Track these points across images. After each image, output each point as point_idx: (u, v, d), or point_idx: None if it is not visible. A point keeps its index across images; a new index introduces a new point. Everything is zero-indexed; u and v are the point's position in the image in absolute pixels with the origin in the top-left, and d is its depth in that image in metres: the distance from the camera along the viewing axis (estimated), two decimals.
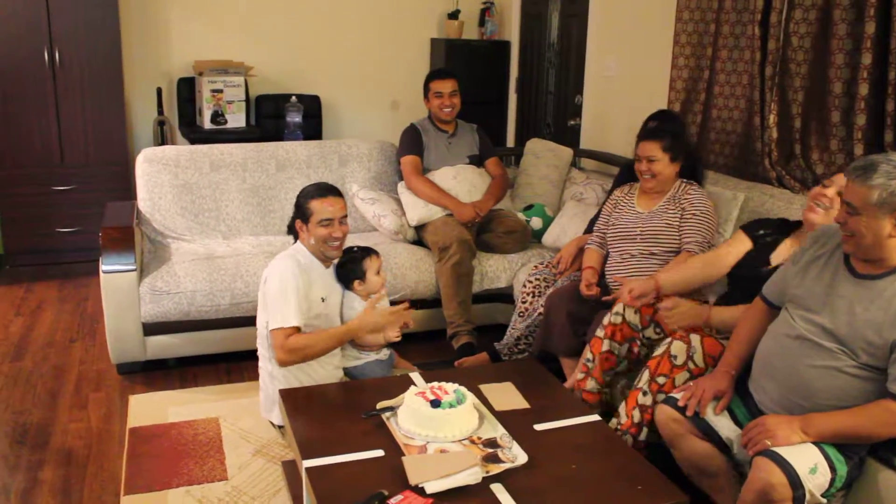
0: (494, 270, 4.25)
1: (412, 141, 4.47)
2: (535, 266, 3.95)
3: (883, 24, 3.08)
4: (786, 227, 2.94)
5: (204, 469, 3.02)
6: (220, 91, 5.57)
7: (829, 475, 2.20)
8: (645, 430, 2.70)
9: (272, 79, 6.07)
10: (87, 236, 5.16)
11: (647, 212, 3.44)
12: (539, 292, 3.76)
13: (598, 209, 3.97)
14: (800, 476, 2.14)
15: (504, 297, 4.27)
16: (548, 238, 4.38)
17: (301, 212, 2.95)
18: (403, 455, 2.26)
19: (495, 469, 2.19)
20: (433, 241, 4.16)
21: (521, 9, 6.26)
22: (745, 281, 2.89)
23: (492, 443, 2.33)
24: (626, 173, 3.87)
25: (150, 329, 3.73)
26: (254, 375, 3.22)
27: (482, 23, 6.51)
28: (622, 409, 2.78)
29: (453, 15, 6.38)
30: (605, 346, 2.99)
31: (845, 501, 2.34)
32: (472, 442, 2.34)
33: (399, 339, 2.90)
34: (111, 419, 3.43)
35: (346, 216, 2.98)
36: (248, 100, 5.76)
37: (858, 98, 3.17)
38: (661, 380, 2.68)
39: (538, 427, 2.47)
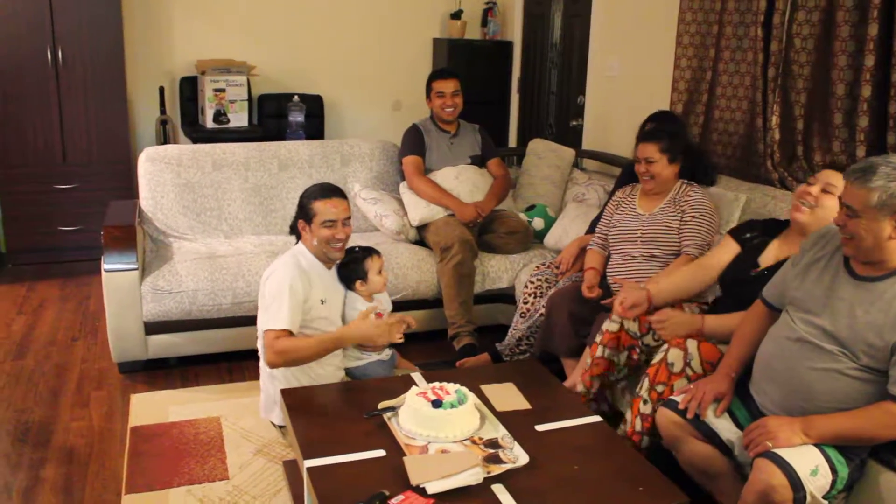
0: (496, 271, 4.25)
1: (414, 141, 4.47)
2: (537, 267, 3.95)
3: (886, 25, 3.07)
4: (774, 228, 2.93)
5: (205, 468, 3.02)
6: (223, 90, 5.57)
7: (830, 477, 2.20)
8: (646, 438, 2.70)
9: (274, 78, 6.08)
10: (89, 235, 5.16)
11: (647, 213, 3.44)
12: (541, 293, 3.76)
13: (599, 210, 3.97)
14: (801, 478, 2.14)
15: (506, 297, 4.27)
16: (549, 239, 4.38)
17: (304, 212, 2.95)
18: (405, 455, 2.26)
19: (496, 469, 2.19)
20: (435, 242, 4.15)
21: (523, 9, 6.26)
22: (736, 285, 2.90)
23: (493, 443, 2.33)
24: (627, 174, 3.87)
25: (152, 328, 3.73)
26: (255, 375, 3.22)
27: (485, 23, 6.51)
28: (628, 415, 2.79)
29: (456, 15, 6.38)
30: (599, 352, 3.00)
31: (847, 503, 2.34)
32: (474, 442, 2.34)
33: (402, 340, 2.90)
34: (113, 418, 3.43)
35: (349, 217, 2.98)
36: (250, 99, 5.76)
37: (861, 100, 3.17)
38: (659, 388, 2.68)
39: (539, 428, 2.47)
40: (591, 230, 3.86)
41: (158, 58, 5.82)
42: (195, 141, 5.38)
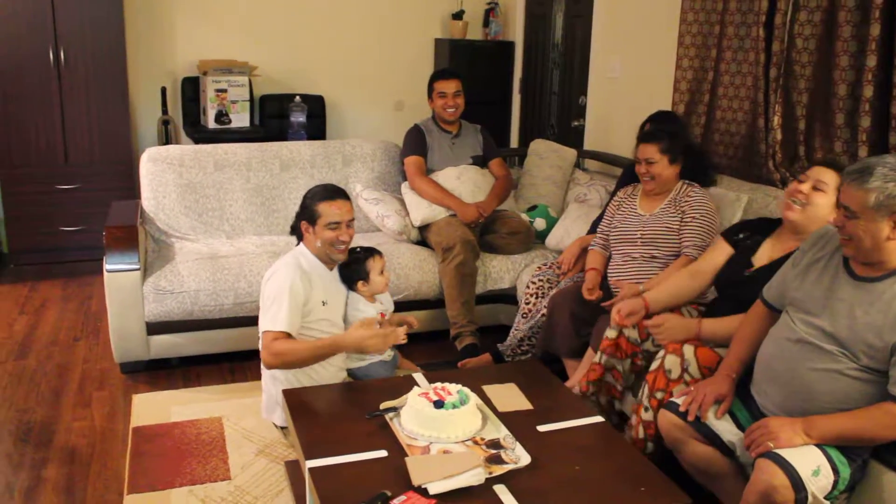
0: (498, 271, 4.25)
1: (416, 141, 4.47)
2: (539, 267, 3.95)
3: (888, 26, 3.07)
4: (766, 227, 2.93)
5: (207, 469, 3.02)
6: (225, 91, 5.57)
7: (831, 477, 2.20)
8: (650, 444, 2.70)
9: (276, 79, 6.08)
10: (91, 235, 5.17)
11: (648, 214, 3.44)
12: (542, 293, 3.76)
13: (601, 210, 3.97)
14: (802, 478, 2.13)
15: (507, 297, 4.27)
16: (551, 240, 4.38)
17: (308, 214, 2.94)
18: (406, 456, 2.26)
19: (498, 470, 2.19)
20: (437, 242, 4.16)
21: (525, 9, 6.26)
22: (731, 286, 2.90)
23: (495, 444, 2.33)
24: (629, 174, 3.87)
25: (154, 328, 3.74)
26: (257, 375, 3.22)
27: (486, 23, 6.51)
28: (633, 419, 2.79)
29: (457, 15, 6.38)
30: (597, 357, 2.99)
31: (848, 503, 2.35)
32: (476, 443, 2.34)
33: (405, 340, 2.89)
34: (114, 418, 3.43)
35: (353, 219, 2.98)
36: (252, 99, 5.76)
37: (863, 100, 3.17)
38: (659, 395, 2.68)
39: (541, 428, 2.47)
40: (593, 230, 3.86)
41: (160, 58, 5.83)
42: (197, 141, 5.38)
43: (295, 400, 2.64)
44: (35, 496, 2.86)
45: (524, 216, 4.51)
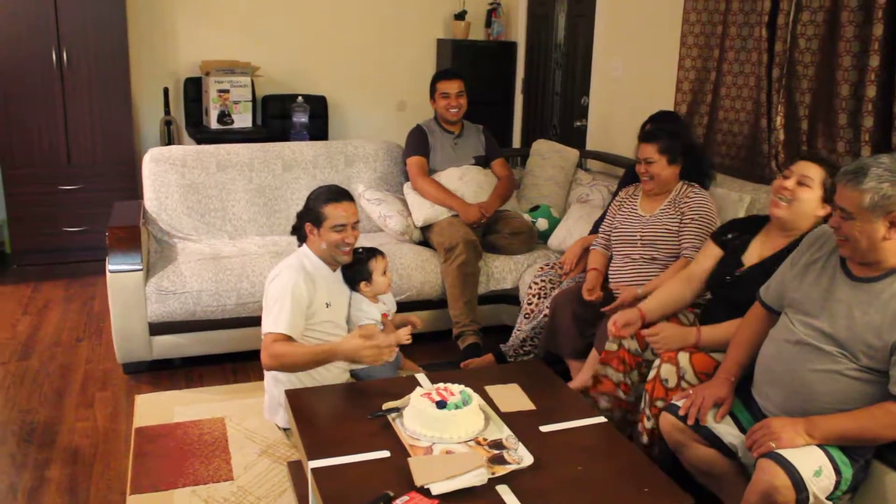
0: (500, 271, 4.25)
1: (418, 142, 4.47)
2: (541, 267, 3.95)
3: (891, 25, 3.07)
4: (754, 225, 2.93)
5: (210, 469, 3.02)
6: (227, 91, 5.58)
7: (833, 478, 2.19)
8: (656, 449, 2.70)
9: (278, 79, 6.08)
10: (93, 236, 5.17)
11: (648, 215, 3.43)
12: (545, 294, 3.76)
13: (603, 210, 3.97)
14: (804, 478, 2.13)
15: (510, 298, 4.27)
16: (553, 241, 4.38)
17: (313, 215, 2.93)
18: (409, 456, 2.26)
19: (501, 470, 2.19)
20: (439, 242, 4.16)
21: (527, 9, 6.25)
22: (723, 287, 2.90)
23: (497, 444, 2.33)
24: (631, 174, 3.86)
25: (157, 329, 3.74)
26: (259, 376, 3.22)
27: (489, 23, 6.51)
28: (639, 427, 2.79)
29: (460, 15, 6.38)
30: (601, 369, 2.99)
31: None
32: (478, 443, 2.34)
33: (409, 341, 2.89)
34: (117, 418, 3.43)
35: (358, 221, 2.97)
36: (254, 100, 5.77)
37: (866, 100, 3.17)
38: (659, 403, 2.68)
39: (544, 428, 2.47)
40: (595, 230, 3.86)
41: (163, 59, 5.83)
42: (199, 142, 5.39)
43: (297, 401, 2.64)
44: (38, 497, 2.86)
45: (526, 216, 4.51)
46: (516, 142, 6.50)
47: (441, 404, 2.38)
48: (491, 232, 4.34)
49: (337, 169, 4.63)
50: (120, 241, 3.70)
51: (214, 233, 4.31)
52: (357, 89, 6.40)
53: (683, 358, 2.69)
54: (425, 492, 2.08)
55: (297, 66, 6.17)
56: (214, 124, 5.59)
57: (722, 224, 3.13)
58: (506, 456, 2.26)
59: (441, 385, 2.50)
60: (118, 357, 3.77)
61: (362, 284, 3.06)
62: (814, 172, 2.68)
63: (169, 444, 3.20)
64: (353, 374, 3.03)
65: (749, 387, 2.54)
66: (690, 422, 2.45)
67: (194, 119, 5.84)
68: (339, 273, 3.05)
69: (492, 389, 2.70)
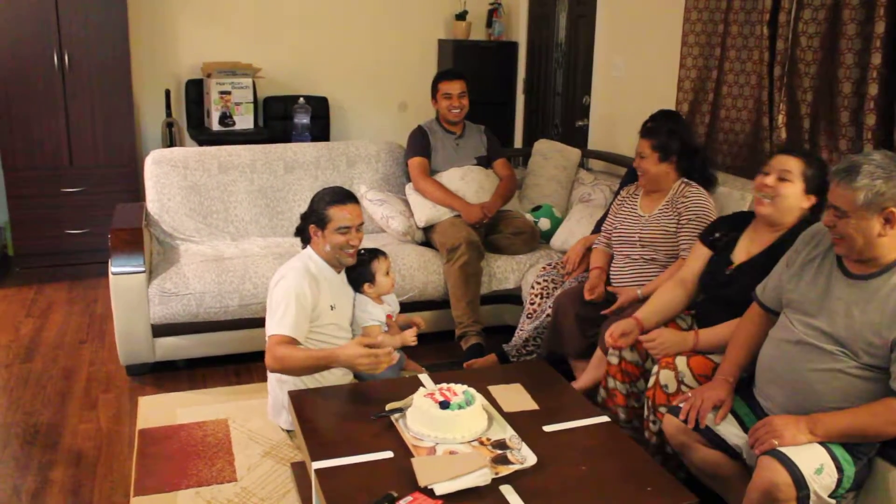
0: (503, 271, 4.25)
1: (419, 143, 4.47)
2: (543, 267, 3.95)
3: (893, 23, 3.06)
4: (741, 222, 2.93)
5: (213, 470, 3.03)
6: (229, 93, 5.58)
7: (835, 475, 2.19)
8: (669, 448, 2.69)
9: (280, 80, 6.08)
10: (96, 238, 5.17)
11: (647, 215, 3.43)
12: (547, 293, 3.76)
13: (605, 210, 3.97)
14: (804, 476, 2.13)
15: (512, 298, 4.27)
16: (555, 241, 4.37)
17: (317, 217, 2.92)
18: (413, 456, 2.26)
19: (504, 470, 2.19)
20: (441, 243, 4.16)
21: (528, 9, 6.25)
22: (714, 287, 2.90)
23: (501, 444, 2.33)
24: (633, 173, 3.86)
25: (159, 330, 3.74)
26: (262, 377, 3.22)
27: (490, 24, 6.50)
28: (646, 434, 2.79)
29: (461, 16, 6.38)
30: (611, 383, 2.98)
31: (856, 503, 2.33)
32: (482, 443, 2.34)
33: (415, 342, 2.88)
34: (120, 420, 3.44)
35: (362, 223, 2.97)
36: (256, 101, 5.77)
37: (868, 98, 3.16)
38: (662, 409, 2.68)
39: (547, 428, 2.47)
40: (597, 230, 3.86)
41: (164, 61, 5.83)
42: (201, 143, 5.39)
43: (301, 401, 2.64)
44: (42, 498, 2.86)
45: (528, 216, 4.51)
46: (518, 142, 6.49)
47: (444, 405, 2.38)
48: (493, 232, 4.34)
49: (339, 170, 4.63)
50: (122, 243, 3.70)
51: (217, 234, 4.32)
52: (359, 90, 6.40)
53: (681, 362, 2.69)
54: (429, 492, 2.08)
55: (299, 68, 6.17)
56: (216, 126, 5.59)
57: (708, 224, 3.12)
58: (509, 456, 2.26)
59: (444, 385, 2.50)
60: (121, 359, 3.77)
61: (366, 286, 3.05)
62: (792, 165, 2.70)
63: (172, 445, 3.20)
64: (356, 374, 3.03)
65: (751, 387, 2.53)
66: (690, 425, 2.45)
67: (196, 121, 5.84)
68: (343, 275, 3.05)
69: (495, 389, 2.70)
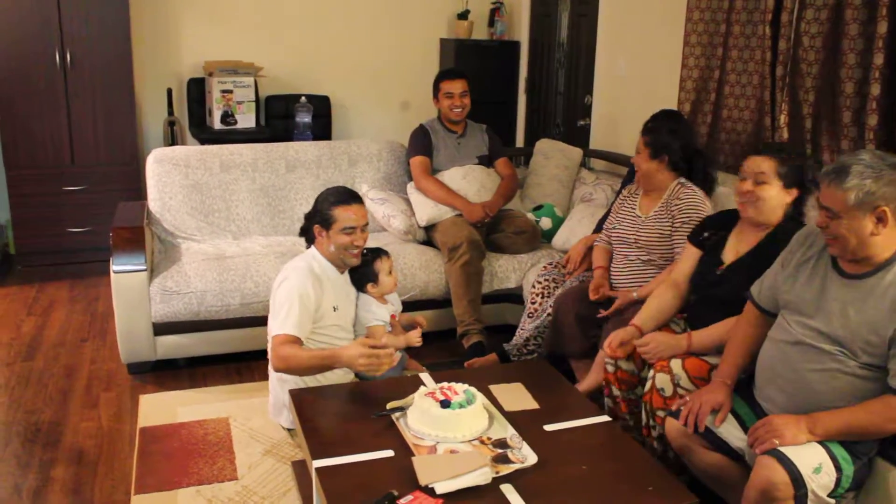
0: (504, 271, 4.25)
1: (421, 142, 4.47)
2: (545, 266, 3.95)
3: (894, 23, 3.06)
4: (728, 220, 2.93)
5: (214, 469, 3.03)
6: (230, 91, 5.58)
7: (834, 475, 2.19)
8: (671, 453, 2.69)
9: (282, 79, 6.08)
10: (97, 236, 5.17)
11: (645, 216, 3.42)
12: (548, 293, 3.76)
13: (606, 209, 3.97)
14: (802, 475, 2.13)
15: (514, 297, 4.27)
16: (557, 241, 4.37)
17: (322, 217, 2.91)
18: (413, 455, 2.26)
19: (505, 469, 2.19)
20: (443, 242, 4.16)
21: (530, 9, 6.25)
22: (705, 287, 2.90)
23: (502, 443, 2.33)
24: (634, 172, 3.86)
25: (161, 329, 3.74)
26: (263, 376, 3.22)
27: (492, 23, 6.50)
28: (649, 440, 2.79)
29: (463, 15, 6.38)
30: (615, 391, 2.98)
31: (856, 503, 2.33)
32: (482, 442, 2.34)
33: (420, 343, 2.87)
34: (122, 419, 3.44)
35: (367, 224, 2.96)
36: (257, 100, 5.77)
37: (870, 98, 3.16)
38: (660, 413, 2.67)
39: (548, 428, 2.47)
40: (599, 229, 3.86)
41: (166, 59, 5.83)
42: (203, 142, 5.39)
43: (302, 400, 2.64)
44: (43, 496, 2.86)
45: (530, 215, 4.51)
46: (520, 141, 6.49)
47: (445, 403, 2.38)
48: (494, 231, 4.34)
49: (340, 169, 4.63)
50: (124, 241, 3.71)
51: (218, 233, 4.32)
52: (360, 89, 6.40)
53: (676, 365, 2.68)
54: (429, 491, 2.08)
55: (301, 67, 6.17)
56: (218, 125, 5.59)
57: (696, 224, 3.12)
58: (510, 455, 2.26)
59: (445, 384, 2.50)
60: (122, 357, 3.77)
61: (369, 286, 3.05)
62: (765, 166, 2.71)
63: (173, 444, 3.20)
64: (357, 373, 3.02)
65: (751, 387, 2.53)
66: (690, 430, 2.44)
67: (198, 119, 5.84)
68: (346, 276, 3.04)
69: (496, 388, 2.70)
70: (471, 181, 4.35)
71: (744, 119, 3.90)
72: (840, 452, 2.21)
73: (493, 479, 2.14)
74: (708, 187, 3.49)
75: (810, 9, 3.41)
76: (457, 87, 4.44)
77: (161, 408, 3.50)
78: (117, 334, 3.71)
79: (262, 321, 3.06)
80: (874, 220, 2.16)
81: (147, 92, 5.79)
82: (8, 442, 3.23)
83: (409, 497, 2.06)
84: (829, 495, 2.19)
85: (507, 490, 2.12)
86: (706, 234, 2.98)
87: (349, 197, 2.93)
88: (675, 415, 2.51)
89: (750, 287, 2.61)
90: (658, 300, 3.01)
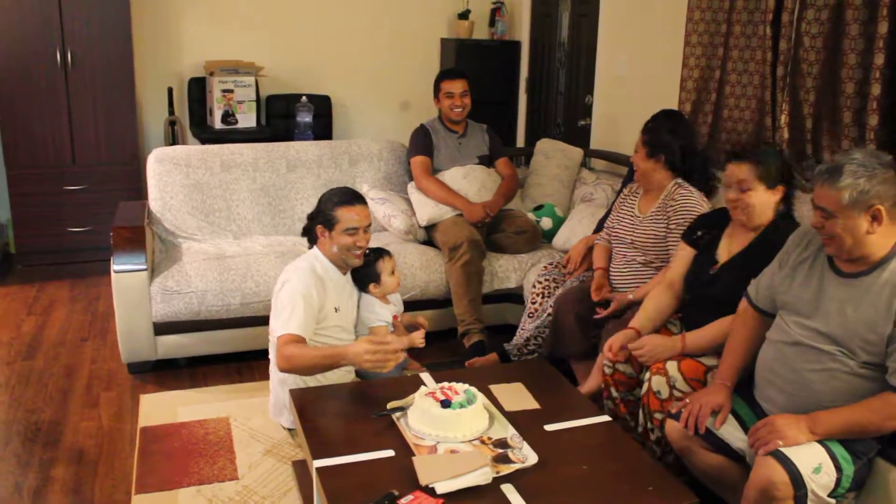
0: (504, 270, 4.25)
1: (421, 142, 4.47)
2: (545, 266, 3.95)
3: (895, 23, 3.06)
4: (721, 219, 2.93)
5: (214, 468, 3.03)
6: (231, 91, 5.58)
7: (834, 475, 2.19)
8: (670, 456, 2.69)
9: (283, 79, 6.08)
10: (98, 236, 5.17)
11: (642, 216, 3.42)
12: (548, 293, 3.76)
13: (607, 209, 3.97)
14: (802, 475, 2.13)
15: (514, 297, 4.27)
16: (557, 241, 4.37)
17: (325, 218, 2.90)
18: (414, 455, 2.26)
19: (505, 469, 2.19)
20: (443, 241, 4.16)
21: (531, 8, 6.25)
22: (699, 287, 2.90)
23: (502, 443, 2.33)
24: (634, 172, 3.86)
25: (161, 328, 3.74)
26: (264, 375, 3.22)
27: (492, 23, 6.50)
28: (648, 443, 2.79)
29: (463, 15, 6.38)
30: (614, 392, 2.98)
31: (857, 503, 2.33)
32: (483, 442, 2.34)
33: (423, 344, 2.87)
34: (122, 418, 3.44)
35: (370, 224, 2.95)
36: (258, 100, 5.77)
37: (871, 98, 3.15)
38: (658, 416, 2.68)
39: (548, 427, 2.47)
40: (599, 229, 3.86)
41: (167, 59, 5.83)
42: (203, 142, 5.39)
43: (302, 400, 2.64)
44: (43, 496, 2.86)
45: (530, 215, 4.51)
46: (520, 141, 6.49)
47: (445, 403, 2.38)
48: (495, 231, 4.34)
49: (341, 169, 4.63)
50: (125, 241, 3.71)
51: (219, 233, 4.32)
52: (361, 89, 6.40)
53: (672, 367, 2.68)
54: (430, 491, 2.08)
55: (301, 66, 6.17)
56: (218, 124, 5.59)
57: (689, 224, 3.12)
58: (510, 455, 2.26)
59: (445, 384, 2.51)
60: (123, 357, 3.77)
61: (371, 286, 3.04)
62: (743, 173, 2.73)
63: (174, 443, 3.20)
64: (358, 373, 3.03)
65: (751, 388, 2.53)
66: (690, 432, 2.44)
67: (198, 119, 5.84)
68: (348, 277, 3.03)
69: (496, 388, 2.70)
70: (471, 181, 4.35)
71: (744, 119, 3.90)
72: (840, 452, 2.21)
73: (494, 479, 2.14)
74: (707, 188, 3.49)
75: (811, 9, 3.41)
76: (457, 86, 4.44)
77: (161, 407, 3.51)
78: (118, 334, 3.71)
79: (262, 321, 3.06)
80: (869, 218, 2.17)
81: (148, 91, 5.79)
82: (8, 441, 3.23)
83: (410, 497, 2.06)
84: (829, 495, 2.19)
85: (508, 490, 2.12)
86: (699, 233, 2.99)
87: (352, 197, 2.93)
88: (676, 417, 2.51)
89: (743, 286, 2.62)
90: (654, 301, 3.01)
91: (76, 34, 5.11)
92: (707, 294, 2.84)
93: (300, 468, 2.92)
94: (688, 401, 2.51)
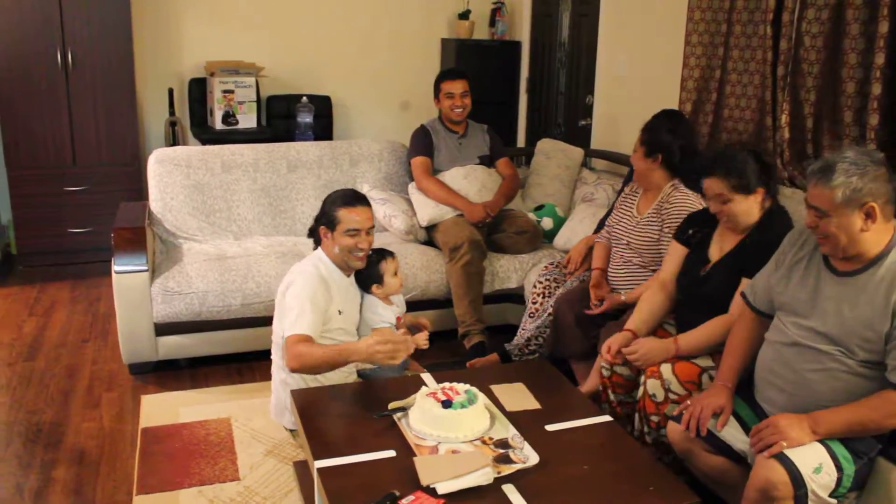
0: (505, 271, 4.25)
1: (422, 142, 4.47)
2: (546, 266, 3.95)
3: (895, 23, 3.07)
4: (713, 217, 2.92)
5: (215, 469, 3.03)
6: (232, 91, 5.58)
7: (835, 475, 2.19)
8: (668, 458, 2.69)
9: (283, 79, 6.09)
10: (99, 237, 5.18)
11: (640, 216, 3.42)
12: (549, 293, 3.76)
13: (608, 209, 3.97)
14: (802, 475, 2.13)
15: (515, 297, 4.27)
16: (558, 241, 4.38)
17: (327, 219, 2.90)
18: (415, 455, 2.26)
19: (507, 469, 2.19)
20: (444, 242, 4.16)
21: (531, 8, 6.25)
22: (692, 286, 2.90)
23: (503, 443, 2.33)
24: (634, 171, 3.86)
25: (162, 329, 3.74)
26: (265, 376, 3.22)
27: (493, 23, 6.50)
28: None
29: (464, 15, 6.38)
30: (612, 396, 2.98)
31: (858, 503, 2.33)
32: (484, 442, 2.34)
33: (427, 346, 2.87)
34: (123, 419, 3.44)
35: (373, 226, 2.94)
36: (259, 100, 5.77)
37: (871, 98, 3.16)
38: (655, 418, 2.68)
39: (550, 428, 2.47)
40: (600, 229, 3.85)
41: (167, 59, 5.84)
42: (204, 142, 5.39)
43: (303, 400, 2.64)
44: (45, 497, 2.87)
45: (531, 215, 4.51)
46: (521, 141, 6.49)
47: (446, 404, 2.38)
48: (496, 231, 4.34)
49: (342, 169, 4.63)
50: (125, 241, 3.71)
51: (219, 233, 4.32)
52: (362, 89, 6.40)
53: (666, 370, 2.68)
54: (431, 491, 2.08)
55: (302, 67, 6.17)
56: (219, 125, 5.59)
57: (680, 222, 3.12)
58: (511, 455, 2.26)
59: (446, 384, 2.51)
60: (124, 358, 3.77)
61: (374, 287, 3.04)
62: (718, 186, 2.73)
63: (175, 444, 3.20)
64: (359, 373, 3.03)
65: (752, 388, 2.53)
66: (692, 434, 2.44)
67: (199, 119, 5.84)
68: (352, 279, 3.02)
69: (497, 388, 2.70)
70: (472, 181, 4.35)
71: (745, 119, 3.90)
72: (841, 452, 2.21)
73: (495, 479, 2.14)
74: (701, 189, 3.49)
75: (811, 8, 3.41)
76: (458, 87, 4.43)
77: (163, 408, 3.51)
78: (119, 335, 3.72)
79: (263, 322, 3.06)
80: (863, 216, 2.17)
81: (148, 92, 5.79)
82: (9, 442, 3.23)
83: (411, 497, 2.06)
84: (830, 495, 2.19)
85: (509, 490, 2.12)
86: (691, 232, 2.99)
87: (354, 199, 2.93)
88: (678, 419, 2.51)
89: (735, 285, 2.62)
90: (649, 303, 3.01)
91: (77, 34, 5.12)
92: (699, 293, 2.84)
93: (301, 469, 2.93)
94: (689, 403, 2.51)
